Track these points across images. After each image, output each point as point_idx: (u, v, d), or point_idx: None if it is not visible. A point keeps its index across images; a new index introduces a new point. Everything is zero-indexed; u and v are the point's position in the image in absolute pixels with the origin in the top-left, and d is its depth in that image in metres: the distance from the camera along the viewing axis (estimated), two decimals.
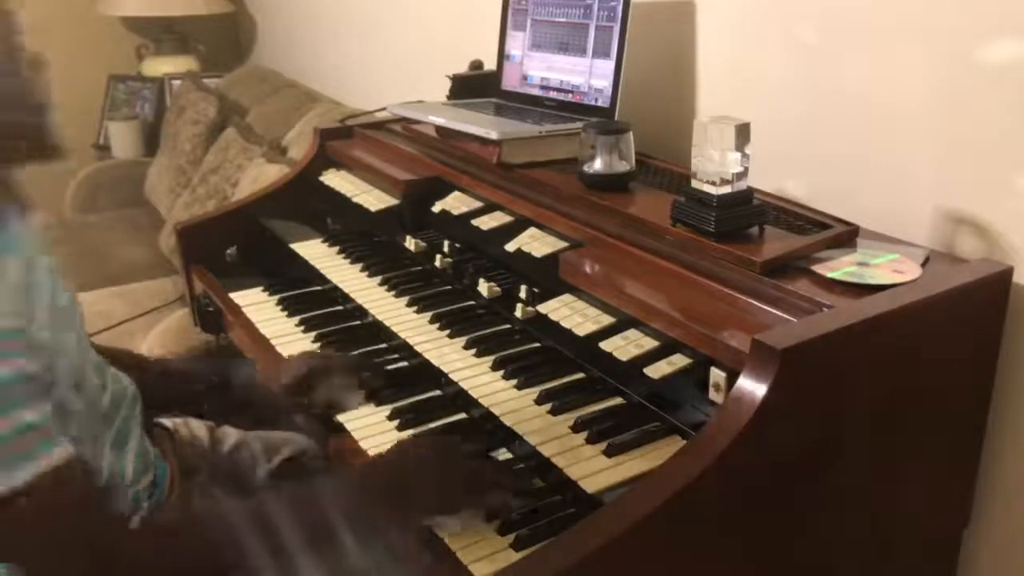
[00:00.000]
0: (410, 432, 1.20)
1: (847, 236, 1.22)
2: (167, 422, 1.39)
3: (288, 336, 1.49)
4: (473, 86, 1.80)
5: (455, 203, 1.51)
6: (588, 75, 1.58)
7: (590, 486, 1.01)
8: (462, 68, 1.86)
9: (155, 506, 1.11)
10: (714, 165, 1.17)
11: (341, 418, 1.25)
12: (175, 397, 1.33)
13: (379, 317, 1.44)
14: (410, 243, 1.59)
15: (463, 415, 1.24)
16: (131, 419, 1.13)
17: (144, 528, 1.04)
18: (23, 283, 0.94)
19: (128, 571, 0.92)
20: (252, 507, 0.98)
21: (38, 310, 0.95)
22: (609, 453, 1.06)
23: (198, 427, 1.42)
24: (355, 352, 1.41)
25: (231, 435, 1.42)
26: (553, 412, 1.15)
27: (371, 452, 1.17)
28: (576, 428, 1.11)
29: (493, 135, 1.47)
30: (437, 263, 1.52)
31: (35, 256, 1.00)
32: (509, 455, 1.16)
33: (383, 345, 1.43)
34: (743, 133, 1.15)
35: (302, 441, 1.40)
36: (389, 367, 1.36)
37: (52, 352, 0.94)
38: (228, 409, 1.37)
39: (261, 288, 1.66)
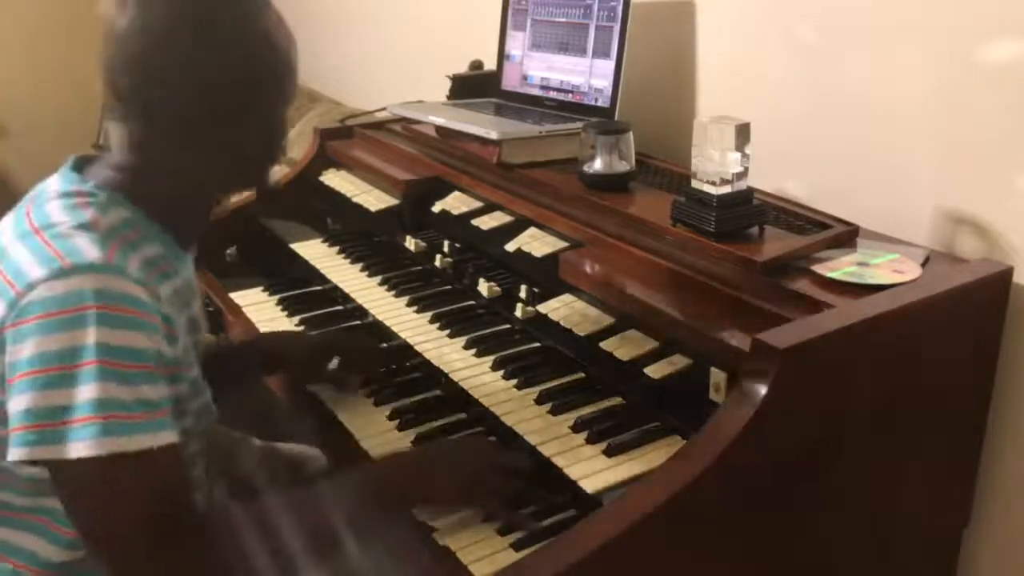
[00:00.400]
0: (410, 432, 1.21)
1: (847, 236, 1.22)
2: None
3: None
4: (473, 86, 1.80)
5: (455, 203, 1.51)
6: (588, 75, 1.58)
7: (590, 486, 1.01)
8: (462, 68, 1.86)
9: None
10: (714, 165, 1.17)
11: (342, 417, 1.25)
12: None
13: (379, 317, 1.44)
14: (410, 243, 1.59)
15: (463, 415, 1.24)
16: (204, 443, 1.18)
17: (211, 518, 1.06)
18: (177, 294, 1.03)
19: (191, 557, 0.94)
20: (285, 503, 1.00)
21: (182, 319, 1.04)
22: (609, 453, 1.06)
23: (234, 433, 1.43)
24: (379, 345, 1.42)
25: (257, 448, 1.43)
26: (553, 412, 1.15)
27: (371, 452, 1.17)
28: (576, 428, 1.11)
29: (493, 135, 1.47)
30: (437, 263, 1.52)
31: (191, 285, 1.11)
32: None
33: (383, 345, 1.43)
34: (743, 133, 1.15)
35: (324, 457, 1.41)
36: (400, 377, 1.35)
37: (184, 356, 1.03)
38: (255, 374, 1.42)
39: (261, 288, 1.66)
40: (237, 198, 1.92)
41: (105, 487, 0.90)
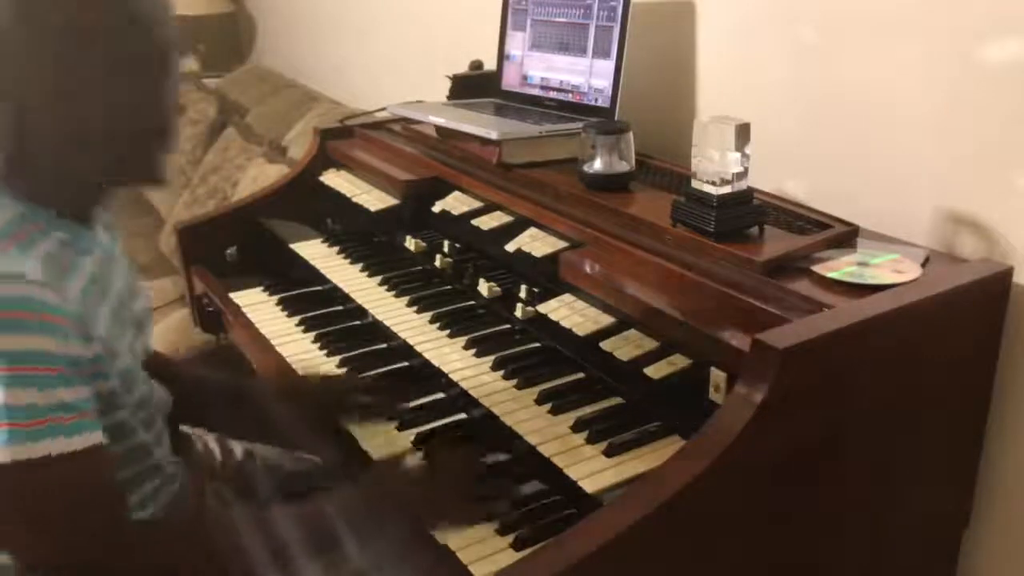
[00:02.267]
0: (410, 432, 1.21)
1: (847, 236, 1.22)
2: (186, 430, 1.40)
3: (288, 336, 1.49)
4: (473, 86, 1.80)
5: (455, 203, 1.51)
6: (588, 75, 1.58)
7: (590, 486, 1.01)
8: (462, 68, 1.86)
9: (173, 510, 1.13)
10: (714, 165, 1.17)
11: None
12: (201, 408, 1.33)
13: (379, 317, 1.44)
14: (410, 243, 1.59)
15: (463, 415, 1.24)
16: (163, 430, 1.16)
17: (154, 526, 1.05)
18: (95, 280, 1.00)
19: (126, 562, 0.93)
20: (259, 518, 0.99)
21: (103, 307, 1.00)
22: (609, 453, 1.06)
23: (208, 437, 1.43)
24: (372, 373, 1.36)
25: (238, 448, 1.43)
26: (553, 412, 1.15)
27: (371, 453, 1.17)
28: (576, 428, 1.11)
29: (493, 135, 1.47)
30: (437, 263, 1.52)
31: (113, 259, 1.08)
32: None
33: (383, 345, 1.43)
34: (743, 133, 1.15)
35: (308, 456, 1.41)
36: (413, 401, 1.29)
37: (107, 348, 0.98)
38: (240, 424, 1.35)
39: (261, 288, 1.66)
40: (239, 199, 1.92)
41: (17, 499, 0.87)
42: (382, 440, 1.20)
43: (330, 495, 1.06)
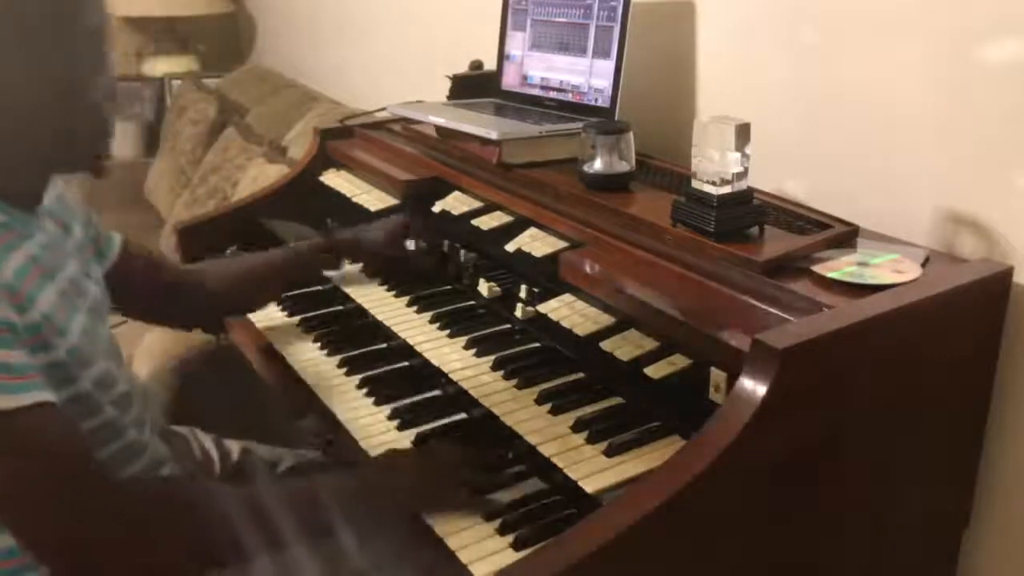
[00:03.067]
0: (410, 432, 1.21)
1: (847, 236, 1.22)
2: (181, 430, 1.40)
3: (288, 336, 1.49)
4: (473, 86, 1.80)
5: (455, 203, 1.51)
6: (588, 75, 1.58)
7: (590, 486, 1.01)
8: (462, 68, 1.86)
9: None
10: (714, 165, 1.17)
11: (342, 418, 1.25)
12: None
13: (379, 317, 1.44)
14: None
15: (463, 415, 1.24)
16: (144, 415, 1.16)
17: (135, 488, 1.05)
18: (36, 260, 1.01)
19: (103, 524, 0.92)
20: (245, 494, 1.00)
21: (47, 287, 1.01)
22: (609, 453, 1.06)
23: (204, 437, 1.43)
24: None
25: (235, 447, 1.43)
26: (553, 412, 1.15)
27: (371, 452, 1.17)
28: (576, 428, 1.11)
29: (493, 135, 1.47)
30: None
31: (63, 247, 1.10)
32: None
33: (383, 345, 1.43)
34: (743, 133, 1.15)
35: (304, 452, 1.41)
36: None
37: (50, 324, 0.99)
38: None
39: None
40: (239, 199, 1.91)
41: None
42: (382, 441, 1.20)
43: (323, 475, 1.07)
